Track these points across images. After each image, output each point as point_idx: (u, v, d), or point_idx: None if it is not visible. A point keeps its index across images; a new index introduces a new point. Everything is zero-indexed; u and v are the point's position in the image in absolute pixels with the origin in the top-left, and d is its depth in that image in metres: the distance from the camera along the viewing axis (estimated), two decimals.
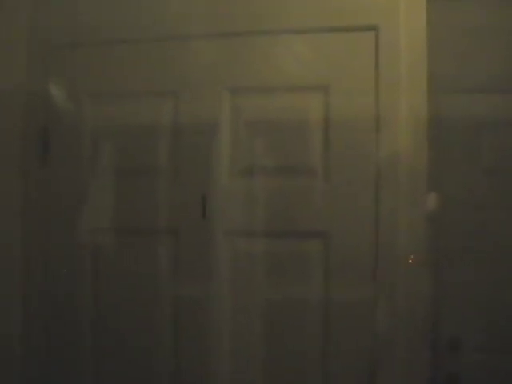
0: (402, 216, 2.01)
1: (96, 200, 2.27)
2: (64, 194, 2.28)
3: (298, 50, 2.12)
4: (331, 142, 2.09)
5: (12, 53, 2.28)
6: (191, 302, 2.17)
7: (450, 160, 2.09)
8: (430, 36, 1.99)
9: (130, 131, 2.25)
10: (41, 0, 2.29)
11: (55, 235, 2.28)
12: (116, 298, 2.24)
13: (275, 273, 2.13)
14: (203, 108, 2.18)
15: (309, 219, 2.11)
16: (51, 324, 2.28)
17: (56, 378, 2.27)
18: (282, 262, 2.13)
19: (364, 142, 2.06)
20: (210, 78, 2.18)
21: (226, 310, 2.16)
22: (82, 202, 2.27)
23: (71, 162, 2.28)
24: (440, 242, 2.06)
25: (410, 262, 2.00)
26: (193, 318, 2.17)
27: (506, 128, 2.08)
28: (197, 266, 2.17)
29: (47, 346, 2.28)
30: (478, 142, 2.10)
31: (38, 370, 2.27)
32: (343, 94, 2.08)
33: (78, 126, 2.28)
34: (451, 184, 2.08)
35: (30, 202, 2.29)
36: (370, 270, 2.03)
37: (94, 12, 2.25)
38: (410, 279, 2.00)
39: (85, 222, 2.27)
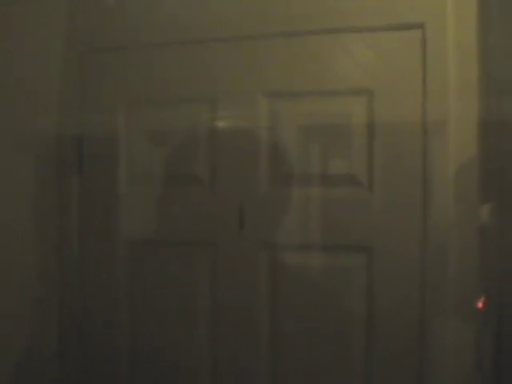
0: (452, 229, 1.87)
1: (131, 210, 2.21)
2: (99, 203, 2.25)
3: (338, 52, 2.00)
4: (375, 149, 1.97)
5: (47, 59, 2.25)
6: (229, 315, 2.10)
7: (503, 168, 1.92)
8: (482, 34, 1.83)
9: (165, 139, 2.19)
10: (75, 5, 2.25)
11: (91, 245, 2.25)
12: (152, 311, 2.19)
13: (315, 288, 2.02)
14: (241, 114, 2.11)
15: (351, 232, 1.99)
16: (87, 336, 2.25)
17: None
18: (323, 276, 2.02)
19: (410, 149, 1.93)
20: (247, 82, 2.09)
21: (264, 323, 2.07)
22: (117, 212, 2.22)
23: (106, 170, 2.24)
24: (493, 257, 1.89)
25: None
26: (230, 331, 2.10)
27: None
28: (234, 279, 2.09)
29: (82, 360, 2.25)
30: None
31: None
32: (388, 98, 1.95)
33: (113, 134, 2.23)
34: (506, 194, 1.91)
35: (66, 211, 2.26)
36: (416, 286, 1.90)
37: (127, 16, 2.19)
38: (461, 300, 1.85)
39: (119, 232, 2.22)
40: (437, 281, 1.87)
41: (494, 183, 1.89)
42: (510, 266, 1.86)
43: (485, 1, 1.84)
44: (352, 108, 2.00)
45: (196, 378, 2.15)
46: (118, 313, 2.22)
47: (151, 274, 2.19)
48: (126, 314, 2.22)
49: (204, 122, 2.14)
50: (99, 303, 2.24)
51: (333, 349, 2.00)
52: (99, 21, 2.22)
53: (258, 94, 2.08)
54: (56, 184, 2.26)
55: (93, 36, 2.24)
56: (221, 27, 2.10)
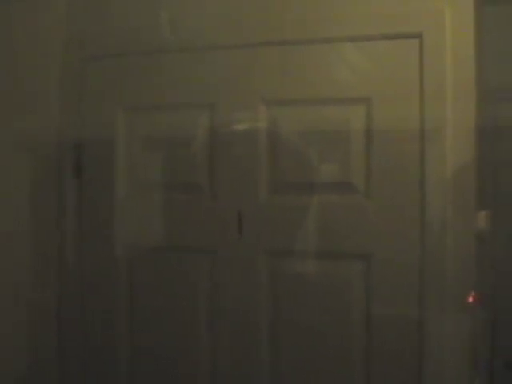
0: (450, 235, 1.88)
1: (129, 216, 2.23)
2: (97, 208, 2.26)
3: (337, 60, 2.03)
4: (374, 156, 1.99)
5: (47, 64, 2.27)
6: (228, 320, 2.10)
7: (501, 174, 1.95)
8: (478, 43, 1.87)
9: (164, 145, 2.21)
10: (76, 11, 2.27)
11: (89, 250, 2.25)
12: (151, 316, 2.19)
13: (314, 294, 2.03)
14: (240, 121, 2.12)
15: (350, 239, 2.01)
16: (86, 339, 2.25)
17: None
18: (321, 283, 2.03)
19: (408, 156, 1.95)
20: (246, 89, 2.11)
21: (263, 329, 2.07)
22: (115, 217, 2.23)
23: (105, 176, 2.25)
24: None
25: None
26: (230, 337, 2.10)
27: None
28: (233, 286, 2.10)
29: (82, 364, 2.25)
30: None
31: None
32: (386, 105, 1.97)
33: (112, 139, 2.24)
34: (503, 200, 1.94)
35: (64, 215, 2.27)
36: (414, 292, 1.91)
37: (127, 22, 2.22)
38: (459, 303, 1.87)
39: (118, 238, 2.23)
40: (435, 285, 1.89)
41: (490, 189, 1.92)
42: (505, 270, 1.89)
43: (482, 10, 1.88)
44: (350, 115, 2.02)
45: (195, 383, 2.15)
46: (116, 317, 2.23)
47: (150, 279, 2.20)
48: (124, 318, 2.22)
49: (203, 129, 2.15)
50: (98, 308, 2.24)
51: (332, 355, 2.00)
52: (99, 26, 2.24)
53: (257, 100, 2.09)
54: (54, 188, 2.27)
55: (93, 41, 2.26)
56: (220, 35, 2.12)
